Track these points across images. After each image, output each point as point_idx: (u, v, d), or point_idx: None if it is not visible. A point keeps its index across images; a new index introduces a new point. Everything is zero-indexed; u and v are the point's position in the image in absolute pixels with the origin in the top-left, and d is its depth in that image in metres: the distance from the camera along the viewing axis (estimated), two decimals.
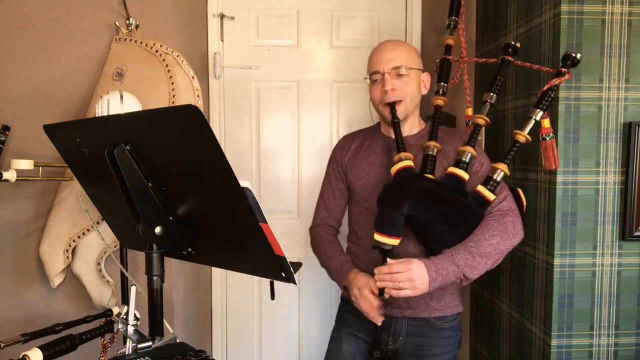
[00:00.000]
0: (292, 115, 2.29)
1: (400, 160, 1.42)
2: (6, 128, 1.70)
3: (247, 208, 0.83)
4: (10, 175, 1.46)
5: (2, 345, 1.14)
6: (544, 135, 1.47)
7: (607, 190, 1.52)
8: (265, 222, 0.85)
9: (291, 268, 0.90)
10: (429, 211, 1.34)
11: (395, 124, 1.44)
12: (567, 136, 1.50)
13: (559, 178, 1.51)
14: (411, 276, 1.28)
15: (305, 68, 2.26)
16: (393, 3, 2.25)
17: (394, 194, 1.35)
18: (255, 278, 2.30)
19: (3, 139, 1.68)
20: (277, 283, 1.43)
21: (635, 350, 1.56)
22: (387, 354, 1.49)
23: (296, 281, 0.92)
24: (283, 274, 0.90)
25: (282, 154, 2.30)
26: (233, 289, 2.33)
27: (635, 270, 1.54)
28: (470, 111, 1.81)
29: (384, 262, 1.34)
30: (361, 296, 1.39)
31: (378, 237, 1.34)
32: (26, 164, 1.47)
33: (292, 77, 2.26)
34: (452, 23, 1.76)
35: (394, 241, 1.33)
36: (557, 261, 1.52)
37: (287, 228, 2.30)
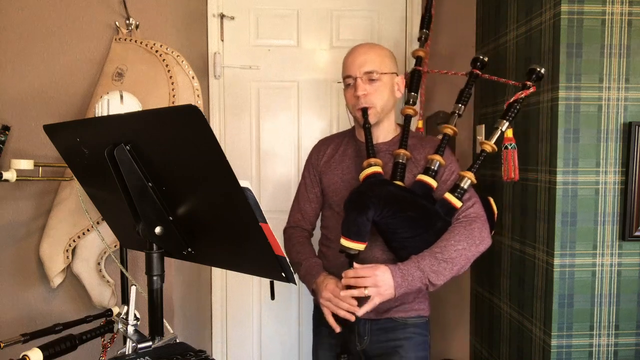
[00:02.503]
0: (292, 115, 2.29)
1: (370, 165, 1.43)
2: (6, 128, 1.70)
3: (247, 208, 0.83)
4: (10, 175, 1.46)
5: (2, 345, 1.14)
6: (506, 145, 1.51)
7: (607, 190, 1.52)
8: (265, 222, 0.85)
9: (291, 268, 0.90)
10: (396, 217, 1.35)
11: (367, 129, 1.45)
12: (567, 136, 1.50)
13: (559, 178, 1.51)
14: (376, 282, 1.29)
15: (305, 68, 2.26)
16: (393, 3, 2.25)
17: (360, 199, 1.35)
18: (255, 278, 2.30)
19: (3, 139, 1.68)
20: (277, 283, 1.43)
21: (635, 350, 1.56)
22: (359, 355, 1.49)
23: (296, 281, 0.92)
24: (283, 274, 0.90)
25: (282, 154, 2.30)
26: (233, 289, 2.33)
27: (635, 270, 1.54)
28: (420, 123, 1.89)
29: (350, 267, 1.35)
30: (327, 302, 1.39)
31: (344, 241, 1.34)
32: (26, 164, 1.47)
33: (292, 77, 2.26)
34: (423, 36, 1.83)
35: (360, 246, 1.34)
36: (557, 261, 1.52)
37: None
